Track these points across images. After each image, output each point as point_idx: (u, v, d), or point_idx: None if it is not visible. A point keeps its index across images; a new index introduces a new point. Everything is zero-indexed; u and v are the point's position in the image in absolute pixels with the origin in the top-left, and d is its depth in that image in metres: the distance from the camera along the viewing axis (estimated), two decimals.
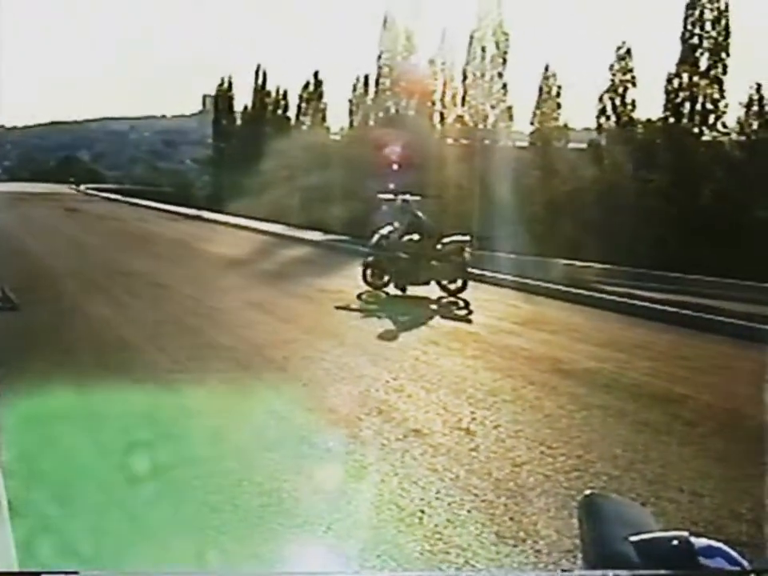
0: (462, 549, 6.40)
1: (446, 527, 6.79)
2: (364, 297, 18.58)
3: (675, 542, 2.69)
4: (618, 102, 28.46)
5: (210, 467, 7.95)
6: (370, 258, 19.84)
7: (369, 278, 19.48)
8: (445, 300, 18.47)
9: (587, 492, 3.20)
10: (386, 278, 19.37)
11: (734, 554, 2.66)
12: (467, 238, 20.04)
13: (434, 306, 17.75)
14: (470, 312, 17.35)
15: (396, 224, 20.01)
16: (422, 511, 7.08)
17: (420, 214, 20.17)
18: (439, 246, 19.50)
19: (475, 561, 6.21)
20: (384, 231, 20.00)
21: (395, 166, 30.33)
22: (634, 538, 2.81)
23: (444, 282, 19.17)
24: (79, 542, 6.18)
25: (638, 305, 17.61)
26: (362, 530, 6.68)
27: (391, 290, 19.22)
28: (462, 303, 18.33)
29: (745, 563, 2.65)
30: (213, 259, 24.79)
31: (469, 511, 7.11)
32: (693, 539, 2.69)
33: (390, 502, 7.23)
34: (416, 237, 19.69)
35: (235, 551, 6.25)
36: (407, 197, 20.60)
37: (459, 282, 19.12)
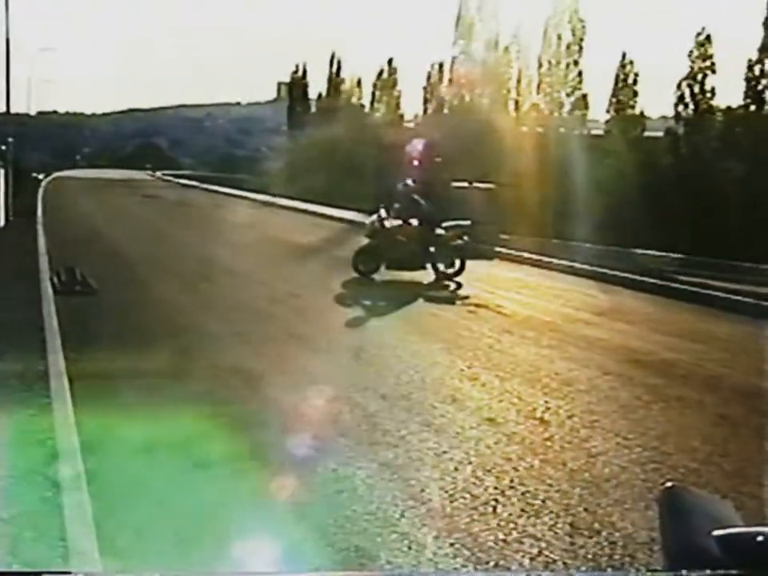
0: (536, 539, 6.36)
1: (519, 516, 6.75)
2: (432, 284, 18.58)
3: (760, 538, 2.64)
4: (696, 89, 28.03)
5: (284, 454, 7.99)
6: (364, 243, 19.66)
7: (360, 265, 19.14)
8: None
9: (668, 484, 3.15)
10: (379, 264, 19.17)
11: None
12: (467, 223, 20.21)
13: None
14: (461, 289, 18.17)
15: (396, 207, 20.01)
16: (496, 500, 7.05)
17: (419, 198, 20.04)
18: (440, 232, 19.55)
19: (549, 551, 6.16)
20: (380, 215, 19.87)
21: (468, 154, 30.26)
22: (717, 533, 2.76)
23: (440, 267, 19.26)
24: None
25: (714, 295, 17.36)
26: (435, 518, 6.67)
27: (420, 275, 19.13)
28: (454, 285, 18.68)
29: None
30: (289, 246, 24.93)
31: (543, 501, 7.06)
32: None
33: (464, 491, 7.21)
34: (415, 222, 19.64)
35: (310, 537, 6.27)
36: (408, 181, 20.49)
37: (457, 265, 19.27)
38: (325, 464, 7.67)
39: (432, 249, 19.25)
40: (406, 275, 18.94)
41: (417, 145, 27.65)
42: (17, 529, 5.94)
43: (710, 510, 3.14)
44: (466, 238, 19.91)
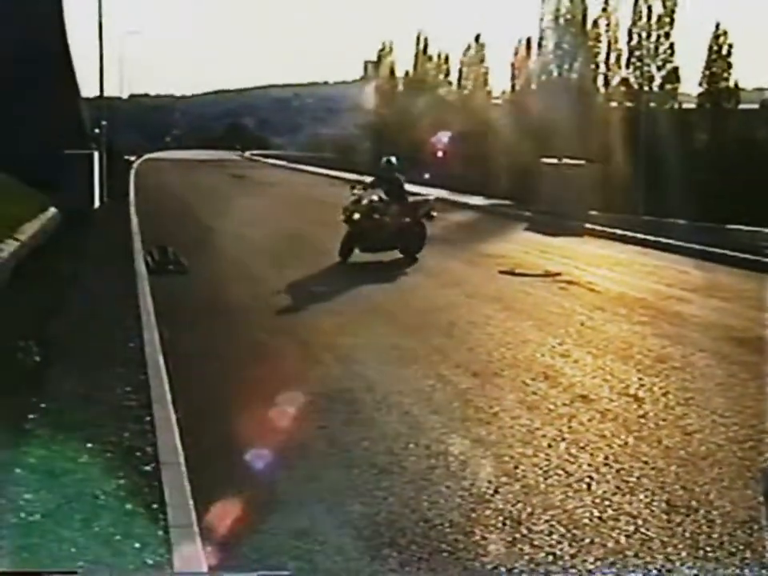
0: (632, 516, 6.30)
1: (614, 494, 6.69)
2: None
3: None
4: None
5: (379, 431, 8.03)
6: (349, 228, 18.17)
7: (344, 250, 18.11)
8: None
9: (765, 465, 3.09)
10: (353, 248, 18.10)
11: None
12: (431, 197, 20.03)
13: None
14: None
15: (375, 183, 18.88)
16: (591, 477, 7.00)
17: (401, 177, 19.08)
18: (404, 209, 18.69)
19: (646, 528, 6.10)
20: (357, 197, 18.56)
21: (557, 130, 30.01)
22: None
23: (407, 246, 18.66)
24: None
25: None
26: (530, 495, 6.64)
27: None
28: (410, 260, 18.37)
29: None
30: None
31: (638, 479, 6.99)
32: None
33: (558, 467, 7.17)
34: (386, 199, 18.41)
35: (404, 514, 6.30)
36: (392, 158, 19.30)
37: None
38: (417, 441, 7.70)
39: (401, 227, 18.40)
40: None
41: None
42: None
43: None
44: (434, 213, 19.56)
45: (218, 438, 7.61)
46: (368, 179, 19.71)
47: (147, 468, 6.63)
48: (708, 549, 5.84)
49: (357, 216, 17.88)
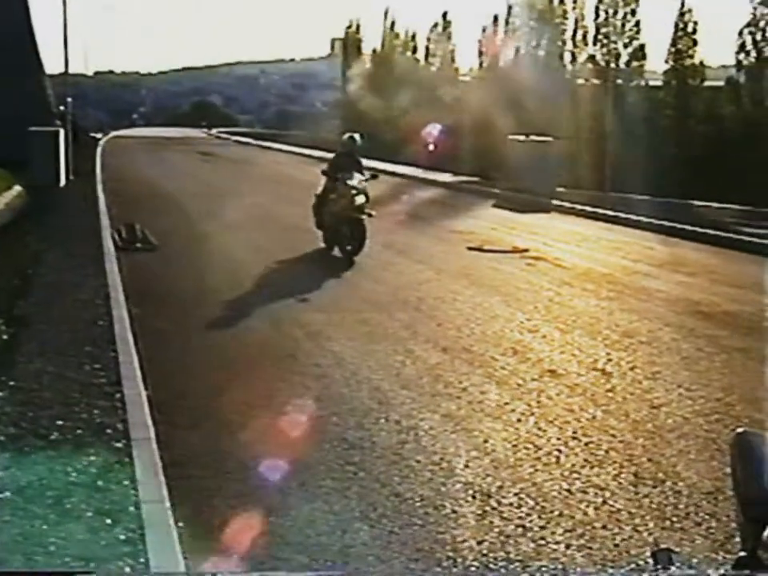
0: (600, 488, 6.39)
1: (583, 467, 6.78)
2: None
3: None
4: (758, 36, 27.49)
5: (349, 405, 8.08)
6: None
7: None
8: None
9: (739, 429, 3.15)
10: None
11: None
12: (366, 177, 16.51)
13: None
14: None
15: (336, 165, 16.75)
16: (559, 451, 7.08)
17: (359, 159, 17.04)
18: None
19: (613, 501, 6.18)
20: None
21: (525, 107, 30.05)
22: None
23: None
24: None
25: None
26: (499, 469, 6.71)
27: None
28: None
29: None
30: None
31: (606, 452, 7.08)
32: None
33: (527, 441, 7.25)
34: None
35: (375, 488, 6.35)
36: (355, 135, 17.38)
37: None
38: (387, 417, 7.75)
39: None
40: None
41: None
42: None
43: None
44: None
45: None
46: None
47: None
48: (674, 519, 5.93)
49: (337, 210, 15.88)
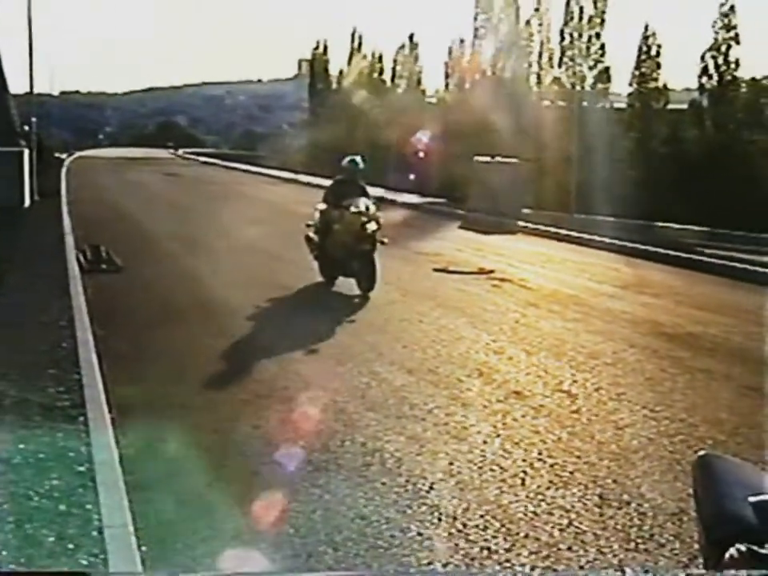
0: (565, 510, 6.40)
1: (548, 488, 6.78)
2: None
3: None
4: (720, 60, 27.81)
5: (315, 427, 8.05)
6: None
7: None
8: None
9: (702, 452, 3.17)
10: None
11: None
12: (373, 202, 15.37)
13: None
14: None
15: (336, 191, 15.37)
16: (525, 472, 7.08)
17: (364, 185, 15.60)
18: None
19: (579, 522, 6.19)
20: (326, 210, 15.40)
21: (491, 129, 30.23)
22: (752, 499, 2.79)
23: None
24: None
25: (740, 268, 17.30)
26: (465, 491, 6.70)
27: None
28: None
29: None
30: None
31: (572, 473, 7.09)
32: None
33: (493, 463, 7.25)
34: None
35: (340, 511, 6.32)
36: (357, 158, 15.77)
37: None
38: (353, 439, 7.72)
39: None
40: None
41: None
42: None
43: (743, 477, 3.16)
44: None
45: None
46: (303, 178, 19.13)
47: None
48: (639, 541, 5.95)
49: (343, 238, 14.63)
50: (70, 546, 5.34)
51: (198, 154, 77.71)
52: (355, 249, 14.39)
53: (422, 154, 34.06)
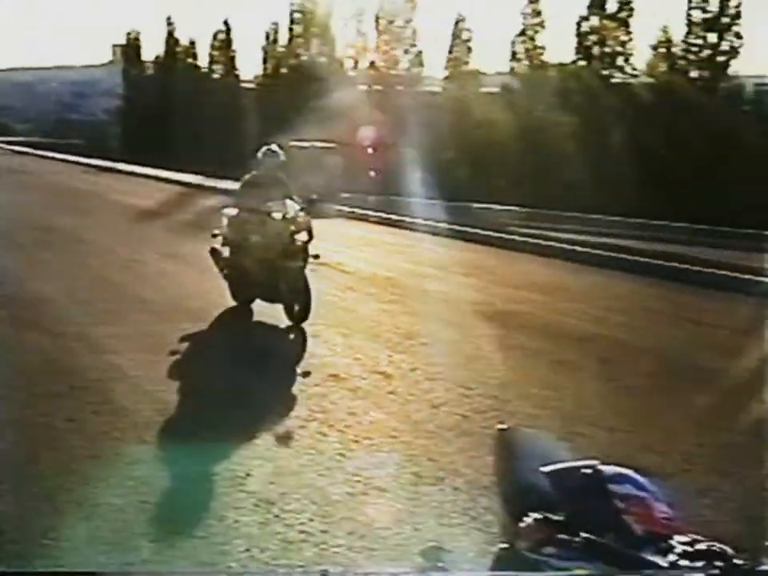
0: (381, 490, 6.45)
1: (365, 469, 6.82)
2: None
3: (586, 471, 2.75)
4: (529, 45, 28.54)
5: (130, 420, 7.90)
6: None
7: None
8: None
9: (500, 426, 3.24)
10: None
11: (641, 480, 2.73)
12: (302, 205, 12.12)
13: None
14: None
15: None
16: (341, 454, 7.11)
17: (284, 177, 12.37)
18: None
19: (394, 501, 6.26)
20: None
21: (307, 113, 30.20)
22: (545, 469, 2.86)
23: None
24: None
25: (553, 246, 17.78)
26: (281, 476, 6.69)
27: None
28: None
29: (652, 488, 2.72)
30: (129, 211, 24.35)
31: (388, 453, 7.16)
32: (602, 467, 2.76)
33: (310, 447, 7.25)
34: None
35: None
36: (274, 147, 12.51)
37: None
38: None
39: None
40: None
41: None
42: None
43: (540, 449, 3.25)
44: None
45: None
46: (121, 166, 18.59)
47: None
48: (454, 516, 6.05)
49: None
50: None
51: (10, 143, 75.18)
52: (282, 266, 11.43)
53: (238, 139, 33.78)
